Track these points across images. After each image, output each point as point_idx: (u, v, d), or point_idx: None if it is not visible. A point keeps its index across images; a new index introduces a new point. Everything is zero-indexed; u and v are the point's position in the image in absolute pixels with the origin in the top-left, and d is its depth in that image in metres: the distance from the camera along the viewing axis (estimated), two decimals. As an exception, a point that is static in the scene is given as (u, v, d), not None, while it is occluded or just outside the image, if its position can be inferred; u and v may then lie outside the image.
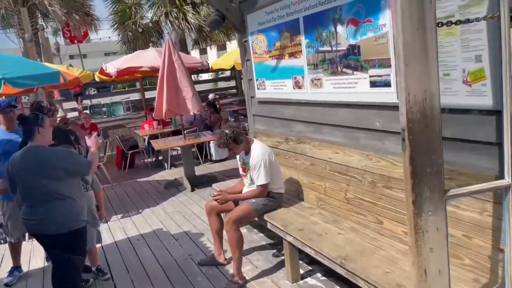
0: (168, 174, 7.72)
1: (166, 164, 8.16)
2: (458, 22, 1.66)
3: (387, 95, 2.73)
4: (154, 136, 8.09)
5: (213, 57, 23.05)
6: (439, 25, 1.59)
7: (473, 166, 2.27)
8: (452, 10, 2.16)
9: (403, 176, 2.59)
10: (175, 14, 12.31)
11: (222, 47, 22.21)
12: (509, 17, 1.46)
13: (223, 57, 12.45)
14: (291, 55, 3.75)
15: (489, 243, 2.11)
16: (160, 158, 8.64)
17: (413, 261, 1.60)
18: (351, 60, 3.00)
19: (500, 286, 2.01)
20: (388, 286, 2.23)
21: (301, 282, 3.31)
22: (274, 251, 3.91)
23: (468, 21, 1.70)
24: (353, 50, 2.95)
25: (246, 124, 6.87)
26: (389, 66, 2.68)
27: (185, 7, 12.46)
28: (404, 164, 1.57)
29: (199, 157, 8.15)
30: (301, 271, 3.39)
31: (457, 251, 2.24)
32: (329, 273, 3.26)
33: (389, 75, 2.70)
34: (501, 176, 1.63)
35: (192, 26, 12.48)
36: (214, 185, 4.75)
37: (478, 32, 2.06)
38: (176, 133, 7.87)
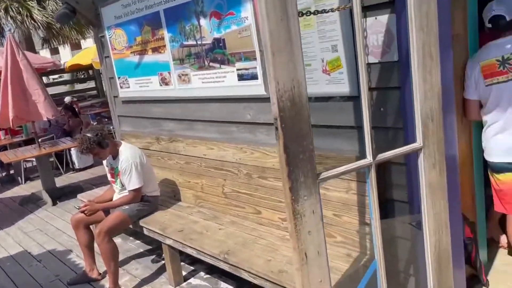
0: (23, 189, 6.83)
1: (19, 178, 7.22)
2: (316, 12, 1.73)
3: (255, 88, 2.78)
4: (1, 148, 7.09)
5: (66, 56, 21.20)
6: (300, 15, 1.63)
7: (337, 149, 2.44)
8: (308, 3, 2.27)
9: (276, 165, 2.70)
10: (16, 9, 10.91)
11: (76, 46, 20.56)
12: (361, 7, 1.56)
13: (79, 55, 11.50)
14: (155, 50, 3.58)
15: (356, 219, 2.29)
16: (12, 172, 7.62)
17: (293, 246, 1.63)
18: (217, 53, 2.98)
19: (370, 257, 2.20)
20: (271, 273, 2.27)
21: (184, 284, 3.21)
22: (153, 256, 3.74)
23: (324, 11, 1.78)
24: (219, 43, 2.93)
25: (111, 127, 6.44)
26: (255, 59, 2.72)
27: (28, 2, 11.12)
28: (279, 152, 1.58)
29: (60, 166, 7.40)
30: (184, 273, 3.29)
31: (329, 230, 2.38)
32: (213, 270, 3.23)
33: (256, 67, 2.74)
34: (362, 156, 1.75)
35: (38, 23, 11.23)
36: (79, 196, 4.33)
37: (333, 23, 2.20)
38: (29, 142, 7.00)
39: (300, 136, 1.61)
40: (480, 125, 2.50)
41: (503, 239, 2.88)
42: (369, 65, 2.15)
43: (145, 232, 3.32)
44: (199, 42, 3.10)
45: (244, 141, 3.02)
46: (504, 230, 2.71)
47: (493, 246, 2.91)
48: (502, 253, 2.87)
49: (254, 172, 2.88)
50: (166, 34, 3.39)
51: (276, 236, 2.69)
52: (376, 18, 2.05)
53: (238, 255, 2.52)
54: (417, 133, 1.81)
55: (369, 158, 1.77)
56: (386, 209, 2.28)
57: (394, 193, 2.27)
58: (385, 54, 2.07)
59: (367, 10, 2.07)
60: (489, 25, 2.32)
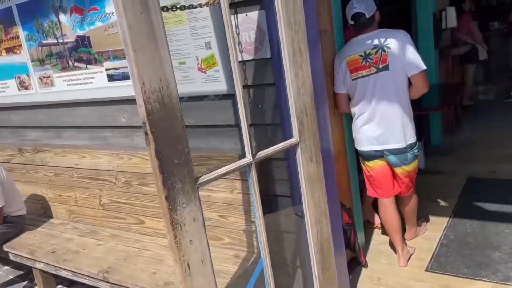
0: None
1: None
2: (183, 7, 1.64)
3: (127, 89, 2.58)
4: None
5: None
6: (164, 10, 1.53)
7: (219, 149, 2.38)
8: (178, -2, 2.16)
9: (156, 170, 2.54)
10: None
11: None
12: (228, 3, 1.50)
13: None
14: (9, 50, 3.14)
15: (242, 218, 2.26)
16: None
17: (174, 258, 1.52)
18: (82, 53, 2.71)
19: (258, 255, 2.19)
20: (157, 287, 2.13)
21: (63, 309, 2.90)
22: (26, 282, 3.31)
23: (192, 6, 1.70)
24: (83, 41, 2.66)
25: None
26: (125, 57, 2.52)
27: None
28: (151, 159, 1.45)
29: None
30: (62, 297, 2.97)
31: (216, 233, 2.32)
32: (95, 290, 2.95)
33: (127, 67, 2.54)
34: (243, 155, 1.71)
35: None
36: None
37: (204, 19, 2.12)
38: None
39: (174, 139, 1.50)
40: (350, 117, 2.65)
41: (377, 220, 3.12)
42: (244, 62, 2.13)
43: (12, 257, 2.91)
44: (60, 41, 2.78)
45: (121, 147, 2.80)
46: (377, 212, 2.94)
47: (368, 227, 3.14)
48: (376, 233, 3.11)
49: (134, 179, 2.69)
50: (21, 32, 2.99)
51: (161, 245, 2.54)
52: (247, 15, 2.02)
53: (120, 271, 2.32)
54: (293, 129, 1.82)
55: (248, 157, 1.73)
56: (271, 205, 2.29)
57: (277, 188, 2.29)
58: (258, 51, 2.06)
59: (237, 6, 2.03)
60: (352, 22, 2.47)
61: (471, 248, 2.71)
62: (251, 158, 1.72)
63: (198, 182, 1.57)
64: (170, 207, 1.48)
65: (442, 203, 3.35)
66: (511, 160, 3.86)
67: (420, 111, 3.63)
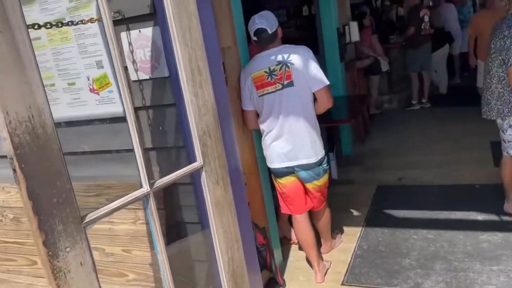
0: None
1: None
2: (60, 24, 1.46)
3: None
4: None
5: None
6: (35, 27, 1.34)
7: (119, 176, 2.18)
8: (62, 13, 1.94)
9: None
10: None
11: None
12: (111, 19, 1.36)
13: None
14: None
15: (148, 250, 2.08)
16: None
17: (60, 312, 1.31)
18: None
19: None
20: None
21: None
22: None
23: (72, 23, 1.52)
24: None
25: None
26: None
27: None
28: (23, 200, 1.25)
29: None
30: None
31: (120, 269, 2.11)
32: None
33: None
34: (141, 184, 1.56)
35: None
36: None
37: (93, 36, 1.93)
38: None
39: (51, 175, 1.31)
40: (260, 134, 2.60)
41: (294, 236, 3.09)
42: (140, 81, 1.98)
43: None
44: None
45: (7, 179, 2.47)
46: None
47: (286, 243, 3.10)
48: (294, 249, 3.08)
49: (23, 215, 2.37)
50: None
51: (57, 288, 2.26)
52: (140, 31, 1.88)
53: (6, 325, 2.02)
54: (196, 151, 1.71)
55: (145, 187, 1.58)
56: (179, 233, 2.15)
57: (185, 215, 2.15)
58: (155, 69, 1.92)
59: (129, 22, 1.88)
60: (255, 38, 2.42)
61: (383, 257, 2.77)
62: (148, 188, 1.58)
63: (85, 221, 1.39)
64: (50, 253, 1.29)
65: (355, 213, 3.43)
66: (416, 167, 4.10)
67: (329, 123, 3.71)
